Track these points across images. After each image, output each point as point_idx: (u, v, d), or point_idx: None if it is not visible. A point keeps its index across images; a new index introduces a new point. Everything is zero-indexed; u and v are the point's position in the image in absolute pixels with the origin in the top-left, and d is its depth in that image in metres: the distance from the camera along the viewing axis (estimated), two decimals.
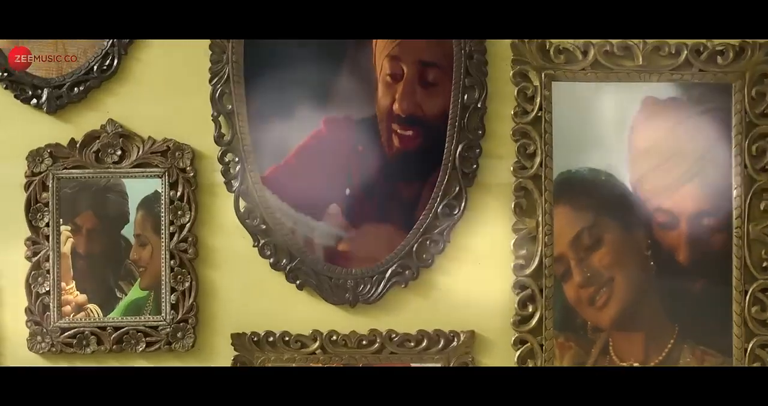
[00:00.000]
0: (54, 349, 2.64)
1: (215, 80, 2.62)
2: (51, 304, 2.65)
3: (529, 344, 2.62)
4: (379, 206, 2.60)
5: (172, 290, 2.64)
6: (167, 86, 2.63)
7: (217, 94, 2.61)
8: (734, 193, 2.61)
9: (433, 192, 2.60)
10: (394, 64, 2.57)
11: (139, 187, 2.61)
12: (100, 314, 2.66)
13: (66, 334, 2.65)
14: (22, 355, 2.60)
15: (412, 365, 2.60)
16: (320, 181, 2.61)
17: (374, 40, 2.60)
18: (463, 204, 2.63)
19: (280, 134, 2.60)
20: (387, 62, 2.57)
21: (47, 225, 2.62)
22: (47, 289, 2.65)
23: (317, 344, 2.64)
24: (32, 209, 2.63)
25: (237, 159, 2.62)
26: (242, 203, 2.63)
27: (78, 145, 2.64)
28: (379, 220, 2.61)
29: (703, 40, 2.60)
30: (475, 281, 2.65)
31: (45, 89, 2.62)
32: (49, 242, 2.62)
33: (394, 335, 2.64)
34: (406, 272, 2.65)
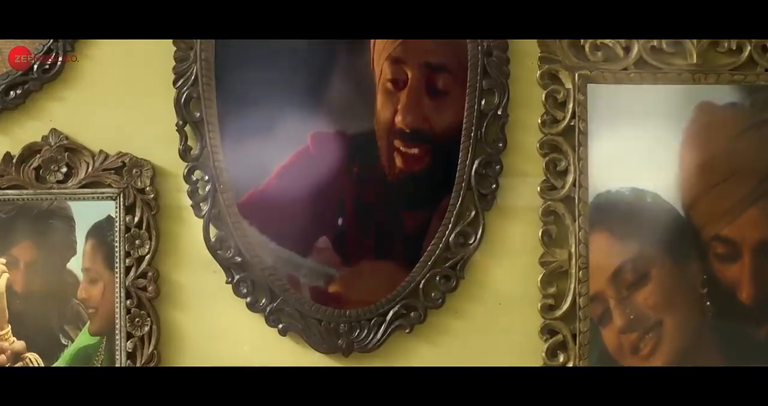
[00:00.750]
0: None
1: (181, 82, 2.44)
2: None
3: None
4: (377, 239, 2.42)
5: (129, 336, 2.48)
6: (123, 89, 2.48)
7: (182, 99, 2.44)
8: None
9: (444, 218, 2.42)
10: (396, 68, 2.40)
11: (88, 212, 2.47)
12: (42, 365, 2.50)
13: None
14: None
15: None
16: (307, 210, 2.42)
17: (372, 39, 2.42)
18: (479, 232, 2.45)
19: (260, 151, 2.42)
20: (387, 66, 2.41)
21: None
22: None
23: None
24: None
25: (207, 177, 2.44)
26: (213, 231, 2.46)
27: (14, 161, 2.48)
28: (378, 256, 2.43)
29: None
30: (495, 325, 2.49)
31: None
32: None
33: None
34: (411, 313, 2.47)
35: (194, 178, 2.47)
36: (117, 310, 2.47)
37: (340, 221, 2.42)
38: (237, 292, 2.48)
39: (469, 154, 2.44)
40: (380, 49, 2.42)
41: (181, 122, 2.46)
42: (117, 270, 2.47)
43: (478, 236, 2.47)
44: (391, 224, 2.43)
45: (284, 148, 2.42)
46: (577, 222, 2.45)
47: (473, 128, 2.44)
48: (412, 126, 2.40)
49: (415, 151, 2.41)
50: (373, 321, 2.46)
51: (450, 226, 2.45)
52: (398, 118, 2.40)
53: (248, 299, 2.47)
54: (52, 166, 2.47)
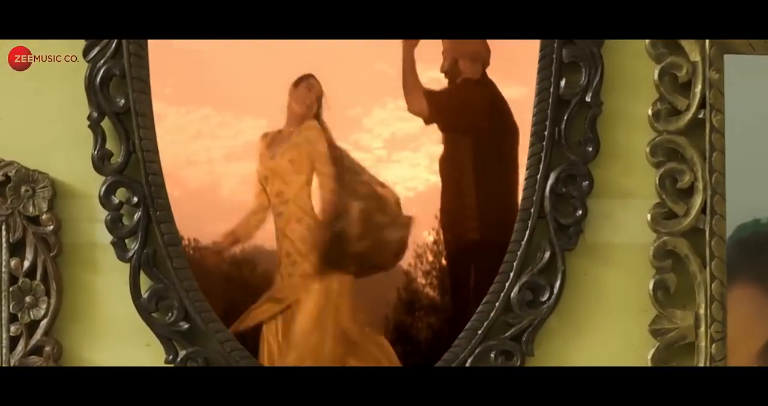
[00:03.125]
0: None
1: (96, 52, 2.05)
2: None
3: None
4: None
5: None
6: (6, 65, 2.15)
7: (98, 79, 2.05)
8: None
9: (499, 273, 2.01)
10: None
11: None
12: None
13: None
14: None
15: None
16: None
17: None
18: (557, 284, 2.03)
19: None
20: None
21: None
22: None
23: None
24: None
25: (136, 199, 2.06)
26: (146, 282, 2.09)
27: None
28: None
29: None
30: None
31: None
32: None
33: None
34: None
35: (116, 201, 2.08)
36: None
37: None
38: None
39: (542, 164, 2.03)
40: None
41: (96, 114, 2.07)
42: None
43: (556, 290, 2.04)
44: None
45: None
46: (708, 268, 2.08)
47: (548, 124, 2.01)
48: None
49: None
50: None
51: (512, 274, 1.97)
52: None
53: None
54: None
